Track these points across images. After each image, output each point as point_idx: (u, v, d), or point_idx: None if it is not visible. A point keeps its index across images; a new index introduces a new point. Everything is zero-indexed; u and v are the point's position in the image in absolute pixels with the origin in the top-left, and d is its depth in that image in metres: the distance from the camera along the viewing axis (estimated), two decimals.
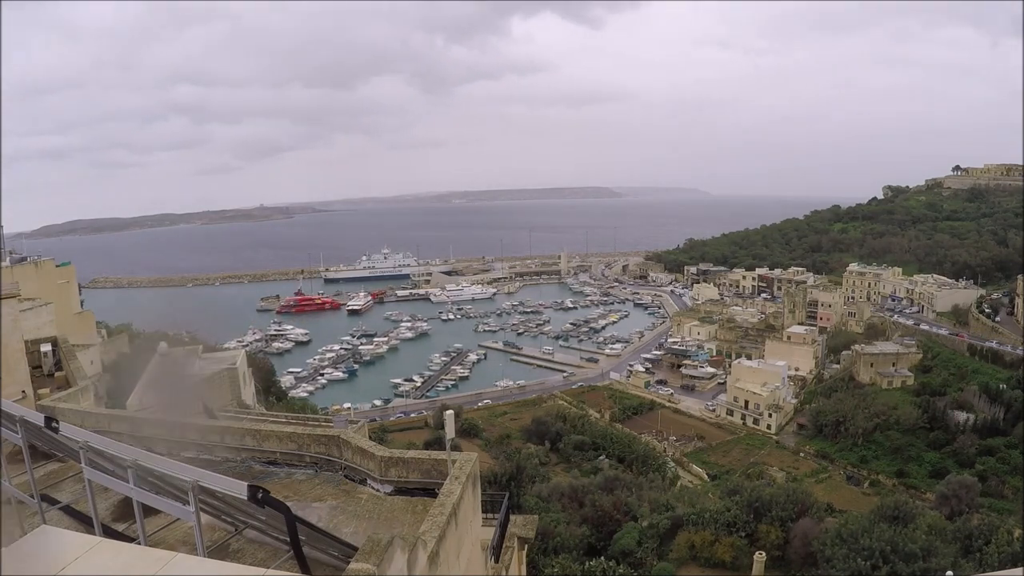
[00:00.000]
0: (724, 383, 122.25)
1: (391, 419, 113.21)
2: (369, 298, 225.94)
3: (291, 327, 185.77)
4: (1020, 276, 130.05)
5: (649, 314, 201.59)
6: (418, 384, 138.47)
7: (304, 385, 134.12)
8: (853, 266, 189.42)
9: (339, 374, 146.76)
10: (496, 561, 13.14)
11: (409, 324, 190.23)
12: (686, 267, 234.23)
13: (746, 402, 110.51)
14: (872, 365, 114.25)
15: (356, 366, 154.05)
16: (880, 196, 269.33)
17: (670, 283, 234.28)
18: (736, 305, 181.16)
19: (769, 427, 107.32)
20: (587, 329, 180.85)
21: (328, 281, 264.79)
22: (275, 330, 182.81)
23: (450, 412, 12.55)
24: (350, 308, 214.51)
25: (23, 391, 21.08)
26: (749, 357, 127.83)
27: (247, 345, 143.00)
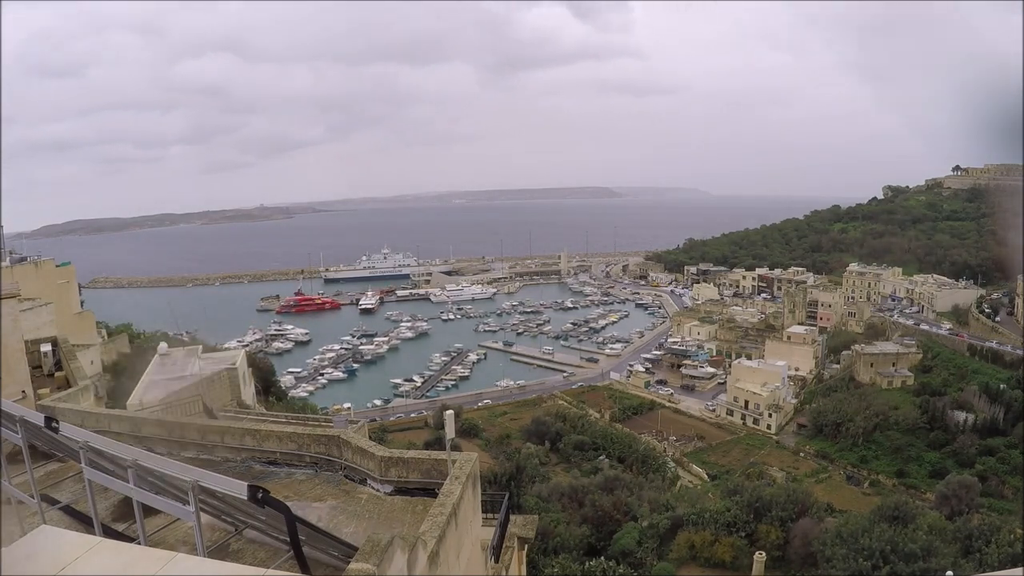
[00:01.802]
0: (724, 383, 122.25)
1: (391, 419, 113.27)
2: (378, 297, 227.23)
3: (291, 327, 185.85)
4: (1020, 276, 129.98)
5: (649, 314, 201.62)
6: (418, 384, 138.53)
7: (304, 385, 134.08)
8: (853, 266, 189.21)
9: (339, 374, 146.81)
10: (496, 561, 13.13)
11: (409, 324, 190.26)
12: (686, 267, 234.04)
13: (746, 402, 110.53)
14: (872, 365, 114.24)
15: (356, 366, 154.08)
16: (880, 196, 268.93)
17: (670, 283, 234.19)
18: (736, 305, 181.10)
19: (769, 427, 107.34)
20: (587, 329, 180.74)
21: (328, 281, 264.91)
22: (275, 330, 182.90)
23: (450, 412, 12.54)
24: (362, 307, 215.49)
25: (23, 391, 21.04)
26: (749, 357, 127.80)
27: (247, 345, 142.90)
